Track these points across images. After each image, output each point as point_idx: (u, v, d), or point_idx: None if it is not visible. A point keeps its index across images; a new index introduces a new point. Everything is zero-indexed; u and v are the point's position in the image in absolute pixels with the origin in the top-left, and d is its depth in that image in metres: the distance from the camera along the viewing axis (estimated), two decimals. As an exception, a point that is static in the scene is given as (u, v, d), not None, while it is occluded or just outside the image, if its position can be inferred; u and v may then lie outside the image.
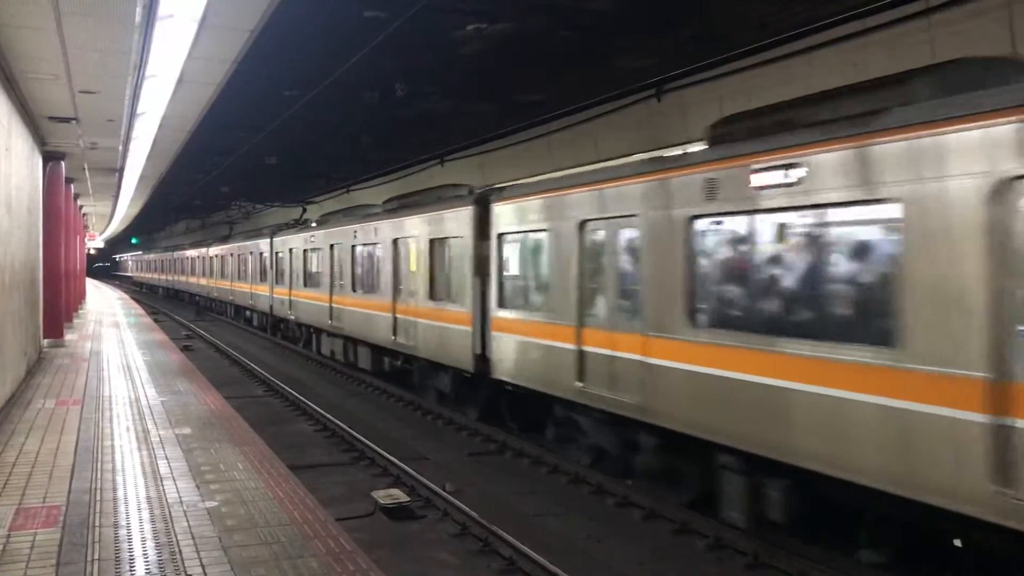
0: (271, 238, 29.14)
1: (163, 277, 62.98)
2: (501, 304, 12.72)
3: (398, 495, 9.70)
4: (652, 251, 9.15)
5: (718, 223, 8.43)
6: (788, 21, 11.53)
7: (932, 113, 6.20)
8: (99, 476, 8.09)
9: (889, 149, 6.42)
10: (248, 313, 35.07)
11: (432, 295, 15.18)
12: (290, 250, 26.26)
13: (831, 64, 11.21)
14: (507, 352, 12.39)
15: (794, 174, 7.33)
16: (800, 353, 7.20)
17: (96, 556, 5.91)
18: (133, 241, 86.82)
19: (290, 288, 26.01)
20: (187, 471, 8.32)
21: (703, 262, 8.63)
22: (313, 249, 23.72)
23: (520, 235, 12.31)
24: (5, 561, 5.82)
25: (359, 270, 19.80)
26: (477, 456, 12.48)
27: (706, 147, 8.82)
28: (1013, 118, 5.61)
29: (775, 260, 7.80)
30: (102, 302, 41.18)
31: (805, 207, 7.28)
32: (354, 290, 19.87)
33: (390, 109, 18.12)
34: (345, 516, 8.87)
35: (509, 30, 12.80)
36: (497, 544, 8.31)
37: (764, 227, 7.88)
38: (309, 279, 24.12)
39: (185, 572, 5.63)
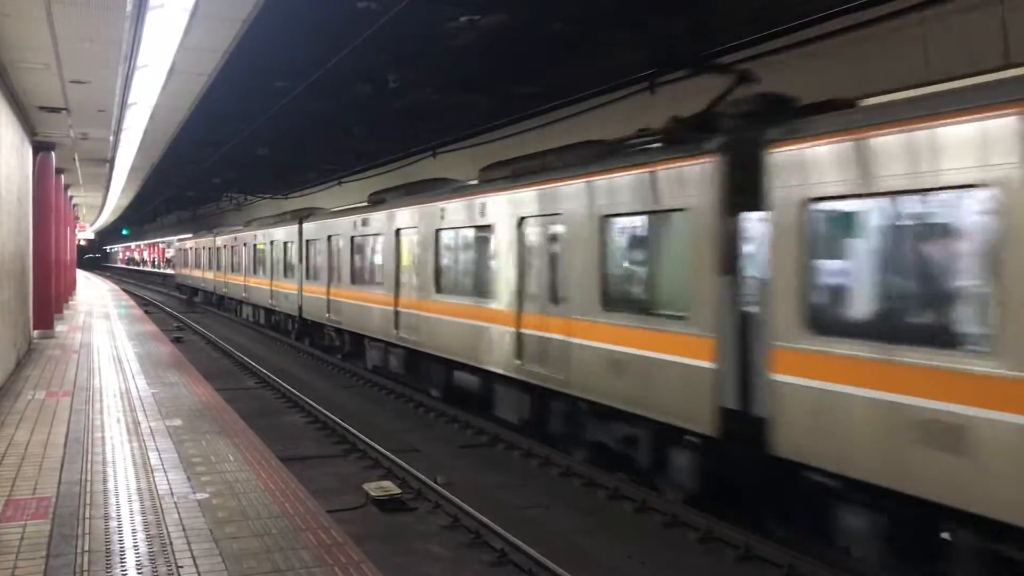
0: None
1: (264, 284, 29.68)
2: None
3: (389, 487, 9.69)
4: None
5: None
6: (782, 15, 11.54)
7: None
8: (89, 468, 8.07)
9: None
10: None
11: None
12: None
13: (824, 59, 11.22)
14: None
15: None
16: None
17: (86, 548, 5.90)
18: (124, 232, 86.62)
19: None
20: (178, 463, 8.31)
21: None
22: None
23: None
24: (-6, 552, 5.80)
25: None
26: (468, 448, 12.49)
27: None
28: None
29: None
30: (93, 293, 41.03)
31: None
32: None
33: (382, 101, 18.07)
34: (336, 508, 8.86)
35: (502, 22, 12.77)
36: (488, 536, 8.32)
37: None
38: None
39: (176, 564, 5.62)
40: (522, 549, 7.77)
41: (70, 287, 34.45)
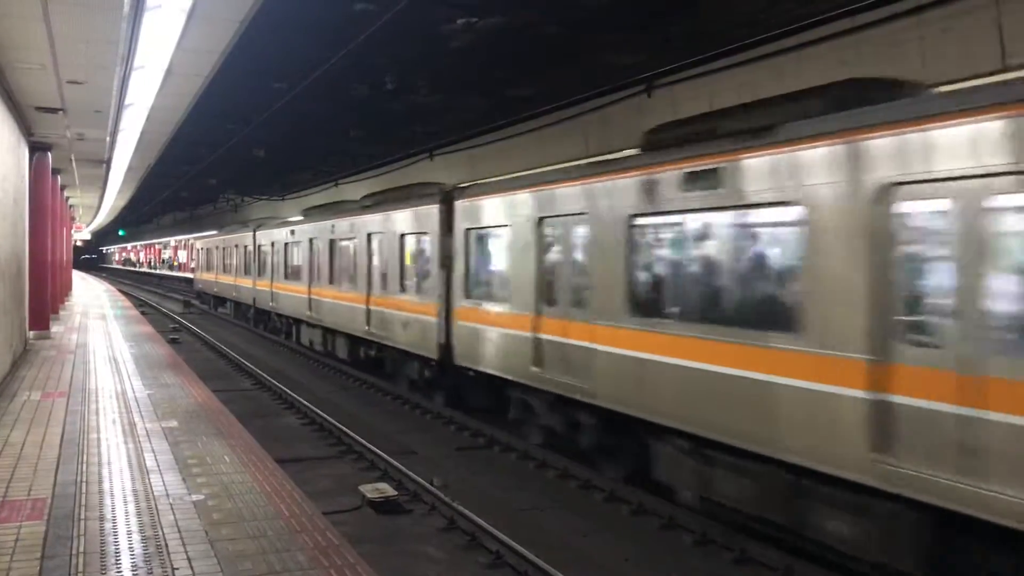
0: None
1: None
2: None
3: (385, 489, 9.68)
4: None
5: None
6: (778, 18, 11.55)
7: None
8: (85, 469, 8.05)
9: None
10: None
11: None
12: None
13: (822, 61, 11.23)
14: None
15: None
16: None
17: (81, 549, 5.89)
18: (120, 233, 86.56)
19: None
20: (173, 464, 8.29)
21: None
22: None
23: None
24: (-11, 554, 5.78)
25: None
26: (465, 451, 12.47)
27: None
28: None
29: None
30: (89, 294, 40.97)
31: None
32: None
33: (379, 103, 18.07)
34: (332, 510, 8.85)
35: (500, 24, 12.77)
36: (484, 538, 8.32)
37: None
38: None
39: (171, 566, 5.60)
40: (518, 551, 7.76)
41: (66, 288, 34.41)
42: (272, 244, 26.85)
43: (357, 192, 26.03)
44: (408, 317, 15.41)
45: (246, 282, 30.77)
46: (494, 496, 10.06)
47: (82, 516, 6.61)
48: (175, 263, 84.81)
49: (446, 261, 13.90)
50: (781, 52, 11.81)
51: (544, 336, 10.93)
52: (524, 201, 11.62)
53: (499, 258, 12.60)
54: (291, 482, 7.85)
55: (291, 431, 13.76)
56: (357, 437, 12.37)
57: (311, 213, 24.38)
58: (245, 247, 30.93)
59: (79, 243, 66.88)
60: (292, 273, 24.50)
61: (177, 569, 5.56)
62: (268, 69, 15.77)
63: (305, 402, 15.25)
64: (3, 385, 12.77)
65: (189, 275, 64.05)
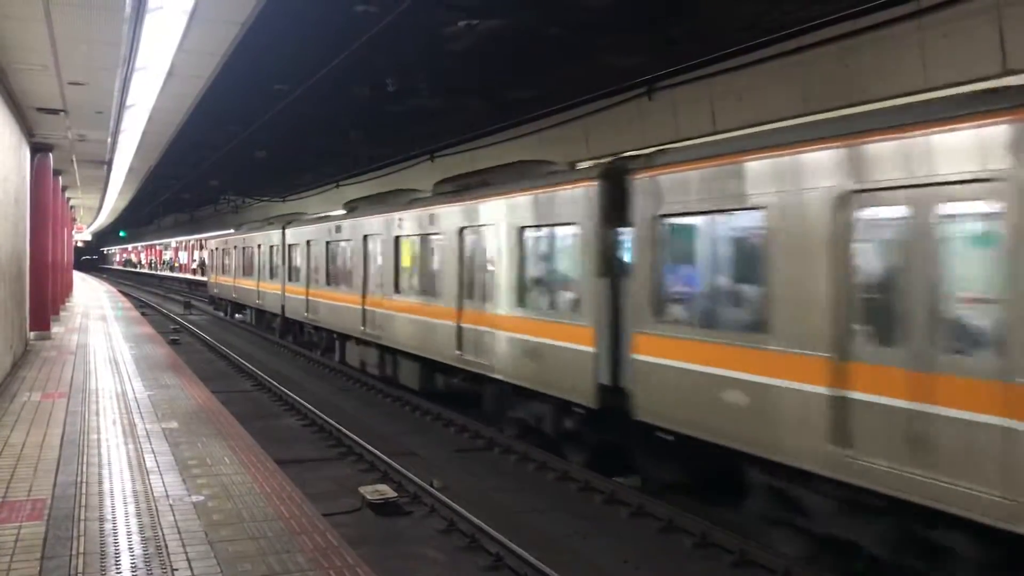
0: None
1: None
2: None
3: (385, 491, 9.68)
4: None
5: None
6: (779, 21, 11.57)
7: None
8: (85, 469, 8.05)
9: None
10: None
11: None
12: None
13: (823, 64, 11.24)
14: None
15: None
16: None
17: (81, 550, 5.89)
18: (121, 234, 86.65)
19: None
20: (173, 465, 8.29)
21: None
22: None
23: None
24: (-11, 554, 5.79)
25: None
26: (465, 452, 12.47)
27: None
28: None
29: None
30: (89, 295, 40.98)
31: None
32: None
33: (380, 104, 18.11)
34: (332, 512, 8.85)
35: (500, 26, 12.81)
36: (484, 540, 8.31)
37: None
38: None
39: (171, 566, 5.61)
40: (517, 553, 7.76)
41: (67, 289, 34.41)
42: (308, 244, 22.48)
43: (358, 193, 25.92)
44: (535, 343, 11.06)
45: (272, 287, 26.36)
46: (493, 498, 10.05)
47: (82, 517, 6.62)
48: (176, 264, 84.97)
49: (609, 266, 9.75)
50: (782, 55, 11.82)
51: (859, 396, 6.56)
52: (804, 165, 7.10)
53: (737, 260, 8.29)
54: (291, 483, 7.85)
55: (291, 432, 13.75)
56: (357, 439, 12.37)
57: (360, 205, 19.85)
58: (271, 247, 26.51)
59: (80, 244, 66.91)
60: (337, 278, 20.14)
61: (177, 570, 5.56)
62: (269, 71, 15.83)
63: (305, 403, 15.24)
64: (3, 386, 12.77)
65: (189, 276, 64.08)
